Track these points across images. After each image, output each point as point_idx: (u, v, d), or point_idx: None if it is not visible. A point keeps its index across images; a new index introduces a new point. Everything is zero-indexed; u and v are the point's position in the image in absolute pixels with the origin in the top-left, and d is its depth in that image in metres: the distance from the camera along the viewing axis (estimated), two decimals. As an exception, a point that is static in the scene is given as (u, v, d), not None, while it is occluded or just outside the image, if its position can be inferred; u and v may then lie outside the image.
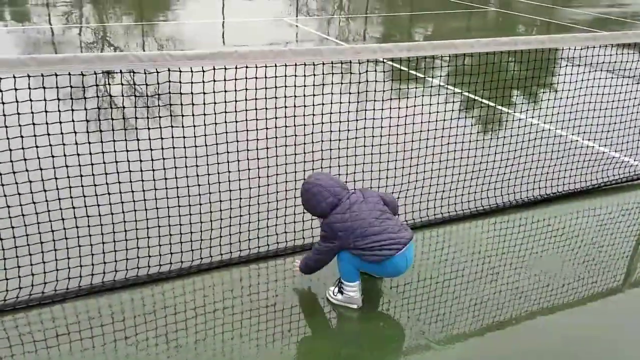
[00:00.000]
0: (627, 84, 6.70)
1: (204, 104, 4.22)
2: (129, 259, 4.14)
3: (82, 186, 4.05)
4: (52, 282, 3.90)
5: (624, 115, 6.33)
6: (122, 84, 7.72)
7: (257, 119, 4.47)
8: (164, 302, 3.91)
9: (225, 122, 4.34)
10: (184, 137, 4.23)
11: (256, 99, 4.37)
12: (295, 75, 4.53)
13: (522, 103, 8.54)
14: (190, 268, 4.21)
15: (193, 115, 4.28)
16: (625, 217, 5.40)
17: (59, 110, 3.92)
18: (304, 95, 4.62)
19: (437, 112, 5.51)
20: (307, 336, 3.70)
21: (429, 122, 5.56)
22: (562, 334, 3.78)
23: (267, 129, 4.50)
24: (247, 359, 3.44)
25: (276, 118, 4.53)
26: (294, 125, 4.76)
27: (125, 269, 4.09)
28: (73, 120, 3.90)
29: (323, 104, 4.74)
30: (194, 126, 4.30)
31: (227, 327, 3.69)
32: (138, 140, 4.17)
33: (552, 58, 10.96)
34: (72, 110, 3.99)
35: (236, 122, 4.41)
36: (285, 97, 4.47)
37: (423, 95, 7.53)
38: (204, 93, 4.21)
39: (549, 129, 6.34)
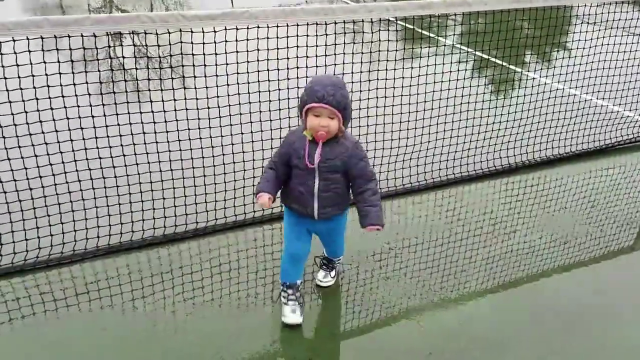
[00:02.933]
0: (643, 42, 6.59)
1: (216, 65, 4.21)
2: (146, 220, 4.20)
3: (97, 148, 4.09)
4: (70, 242, 3.97)
5: (638, 74, 6.25)
6: (134, 45, 7.69)
7: (269, 80, 4.46)
8: (180, 261, 3.98)
9: (238, 83, 4.34)
10: (196, 98, 4.24)
11: (268, 59, 4.35)
12: (307, 35, 4.49)
13: (535, 62, 8.44)
14: (205, 228, 4.27)
15: (205, 76, 4.27)
16: (639, 176, 5.39)
17: (73, 72, 3.93)
18: (316, 56, 4.59)
19: (450, 72, 5.48)
20: (320, 294, 3.76)
21: (441, 82, 5.53)
22: (574, 293, 3.82)
23: (279, 90, 4.49)
24: (262, 317, 3.52)
25: (288, 79, 4.52)
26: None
27: (142, 229, 4.15)
28: (87, 82, 3.91)
29: (335, 64, 4.71)
30: (206, 87, 4.29)
31: (242, 286, 3.75)
32: (151, 102, 4.17)
33: (566, 16, 10.77)
34: (85, 72, 3.99)
35: (248, 83, 4.40)
36: (297, 57, 4.45)
37: (436, 55, 7.45)
38: (216, 54, 4.19)
39: (562, 88, 6.27)
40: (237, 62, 4.30)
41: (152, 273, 3.85)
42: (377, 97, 4.99)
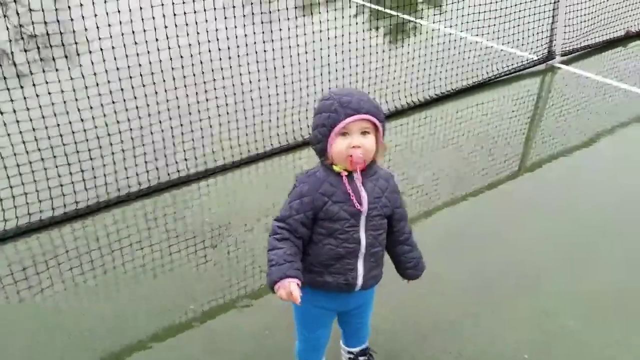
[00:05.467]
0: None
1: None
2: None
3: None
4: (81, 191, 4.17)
5: (508, 8, 6.67)
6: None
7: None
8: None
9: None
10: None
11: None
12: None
13: (426, 9, 8.75)
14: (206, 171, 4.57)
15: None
16: (517, 106, 5.85)
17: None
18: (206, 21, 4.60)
19: (343, 26, 5.63)
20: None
21: (335, 37, 5.69)
22: (457, 222, 4.15)
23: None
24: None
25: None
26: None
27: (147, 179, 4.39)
28: None
29: (227, 28, 4.77)
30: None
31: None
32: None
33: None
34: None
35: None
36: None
37: (328, 11, 7.58)
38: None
39: (438, 29, 6.59)
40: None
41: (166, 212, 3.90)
42: (268, 59, 5.08)
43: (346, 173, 2.19)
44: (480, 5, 6.39)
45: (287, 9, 5.34)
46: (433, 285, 3.31)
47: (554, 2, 6.69)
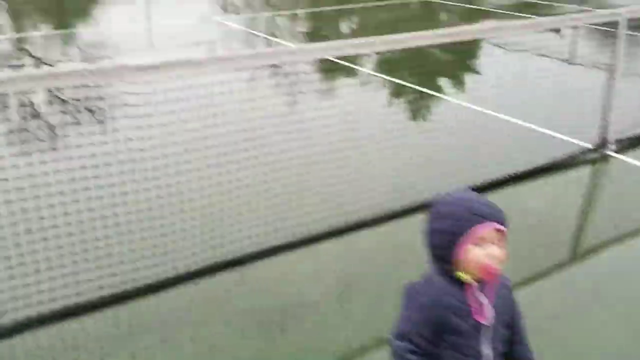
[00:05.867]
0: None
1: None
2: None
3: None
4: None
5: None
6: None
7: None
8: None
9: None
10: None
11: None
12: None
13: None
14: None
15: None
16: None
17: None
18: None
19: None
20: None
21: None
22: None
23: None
24: None
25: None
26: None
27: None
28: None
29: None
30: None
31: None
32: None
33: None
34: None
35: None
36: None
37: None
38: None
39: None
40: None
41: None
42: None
43: (476, 284, 1.98)
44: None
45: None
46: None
47: (608, 88, 6.58)
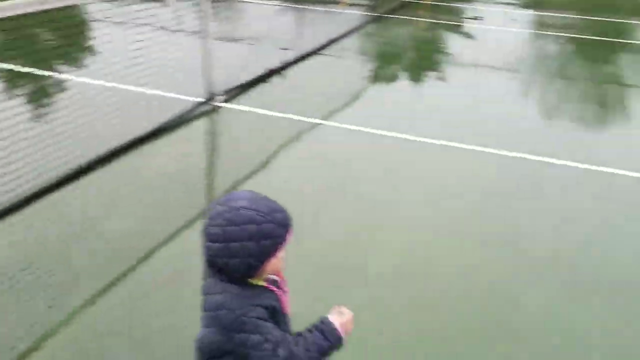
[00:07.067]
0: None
1: None
2: None
3: None
4: None
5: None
6: None
7: None
8: None
9: None
10: None
11: None
12: None
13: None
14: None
15: None
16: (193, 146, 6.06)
17: None
18: None
19: None
20: None
21: None
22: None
23: None
24: None
25: None
26: None
27: None
28: None
29: None
30: None
31: None
32: None
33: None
34: None
35: None
36: None
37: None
38: None
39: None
40: None
41: None
42: None
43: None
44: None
45: None
46: None
47: (204, 49, 7.18)
